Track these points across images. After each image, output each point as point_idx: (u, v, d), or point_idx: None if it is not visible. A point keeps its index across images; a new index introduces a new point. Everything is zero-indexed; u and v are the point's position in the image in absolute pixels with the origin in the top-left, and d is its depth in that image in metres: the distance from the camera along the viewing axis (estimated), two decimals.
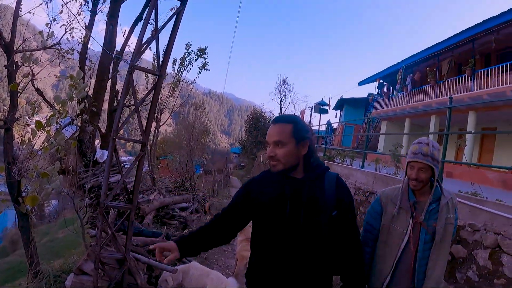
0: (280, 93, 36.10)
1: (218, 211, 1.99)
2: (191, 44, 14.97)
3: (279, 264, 1.71)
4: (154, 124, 14.06)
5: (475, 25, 11.76)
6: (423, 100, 15.27)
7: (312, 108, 22.32)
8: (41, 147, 3.50)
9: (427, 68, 15.33)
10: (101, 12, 10.73)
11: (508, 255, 2.85)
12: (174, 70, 15.20)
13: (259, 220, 1.80)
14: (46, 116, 3.64)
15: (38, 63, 4.43)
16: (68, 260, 5.29)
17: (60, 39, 6.53)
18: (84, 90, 3.78)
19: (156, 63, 13.89)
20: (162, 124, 15.84)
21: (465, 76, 12.89)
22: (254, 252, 1.88)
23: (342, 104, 28.20)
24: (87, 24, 10.13)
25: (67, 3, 6.85)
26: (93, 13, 10.47)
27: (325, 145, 13.04)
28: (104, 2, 10.53)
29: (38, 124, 3.32)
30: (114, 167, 8.42)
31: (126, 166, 9.33)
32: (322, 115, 23.99)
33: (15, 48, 5.24)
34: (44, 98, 8.10)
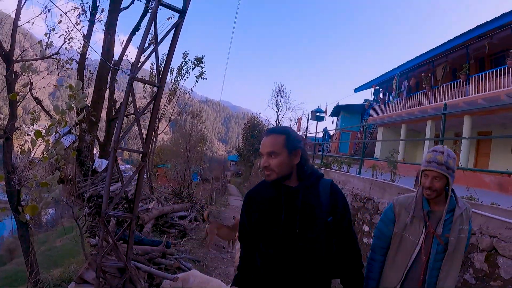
0: (277, 101, 36.14)
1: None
2: (188, 53, 15.11)
3: (278, 270, 1.76)
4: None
5: (469, 30, 11.93)
6: (418, 106, 15.40)
7: (308, 115, 22.41)
8: (40, 157, 3.52)
9: (422, 74, 15.49)
10: (99, 21, 10.83)
11: (504, 257, 2.89)
12: (171, 79, 15.31)
13: (257, 228, 1.85)
14: (45, 125, 3.66)
15: (37, 73, 4.47)
16: (68, 269, 5.28)
17: (59, 49, 6.59)
18: (83, 100, 3.81)
19: (154, 72, 14.07)
20: (160, 133, 15.87)
21: (459, 81, 13.04)
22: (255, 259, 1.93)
23: (338, 110, 28.31)
24: (85, 33, 10.20)
25: (66, 13, 6.89)
26: (91, 23, 10.54)
27: (322, 152, 13.07)
28: (102, 12, 10.62)
29: (37, 133, 3.34)
30: (114, 176, 8.42)
31: (124, 175, 9.32)
32: (318, 122, 24.08)
33: (14, 58, 5.30)
34: (42, 107, 8.13)
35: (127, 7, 11.25)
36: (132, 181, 5.23)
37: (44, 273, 4.73)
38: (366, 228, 5.67)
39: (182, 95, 16.49)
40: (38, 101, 7.83)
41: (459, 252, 2.03)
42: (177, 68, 15.19)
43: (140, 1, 11.26)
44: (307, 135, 18.94)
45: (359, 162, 8.63)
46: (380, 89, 20.99)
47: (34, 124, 4.35)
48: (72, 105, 3.66)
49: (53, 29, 6.14)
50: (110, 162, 3.77)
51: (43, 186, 3.34)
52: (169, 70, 14.75)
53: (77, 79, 8.03)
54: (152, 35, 4.18)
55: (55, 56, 6.64)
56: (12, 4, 5.58)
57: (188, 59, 15.14)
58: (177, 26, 4.01)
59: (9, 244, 13.99)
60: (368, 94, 23.62)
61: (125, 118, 10.10)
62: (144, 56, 4.05)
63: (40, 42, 5.29)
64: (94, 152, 11.63)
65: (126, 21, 15.02)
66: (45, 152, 3.48)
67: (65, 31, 6.65)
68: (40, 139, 3.34)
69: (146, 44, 4.34)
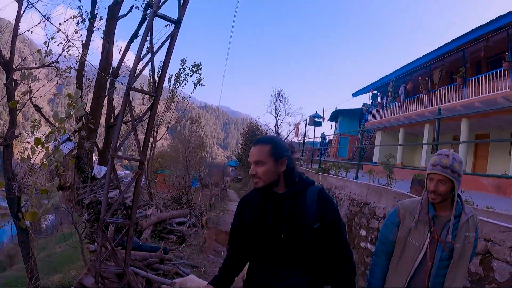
0: (276, 106, 36.21)
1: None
2: (186, 60, 15.17)
3: (268, 274, 1.83)
4: (150, 139, 14.11)
5: (465, 34, 12.02)
6: (416, 110, 15.47)
7: (306, 121, 22.48)
8: (40, 164, 3.55)
9: (419, 78, 15.57)
10: (98, 29, 10.92)
11: (498, 261, 2.92)
12: (169, 86, 15.36)
13: (248, 232, 1.92)
14: (45, 132, 3.70)
15: (36, 80, 4.51)
16: (67, 274, 5.31)
17: (58, 57, 6.65)
18: (82, 108, 3.86)
19: (151, 79, 14.11)
20: (159, 139, 15.89)
21: (456, 85, 13.10)
22: (249, 263, 2.00)
23: (337, 115, 28.39)
24: (84, 42, 10.28)
25: (65, 21, 6.96)
26: (90, 31, 10.63)
27: (320, 157, 13.12)
28: (100, 20, 10.71)
29: (37, 141, 3.38)
30: (112, 183, 8.45)
31: (123, 181, 9.35)
32: (316, 127, 24.14)
33: (14, 66, 5.35)
34: (42, 115, 8.18)
35: (125, 15, 11.36)
36: (131, 188, 5.26)
37: (44, 279, 4.75)
38: (363, 232, 5.69)
39: (181, 101, 16.54)
40: (37, 109, 7.88)
41: (465, 260, 1.98)
42: (175, 75, 15.25)
43: (138, 9, 11.37)
44: (306, 140, 18.97)
45: (356, 166, 8.67)
46: (378, 94, 21.05)
47: (35, 132, 4.39)
48: (71, 113, 3.70)
49: (52, 38, 6.19)
50: (108, 169, 3.82)
51: (43, 193, 3.37)
52: (168, 77, 14.98)
53: (76, 87, 8.09)
54: (149, 43, 4.25)
55: (54, 64, 6.69)
56: (13, 11, 5.62)
57: (186, 66, 15.19)
58: (172, 37, 4.08)
59: (9, 250, 13.98)
60: (366, 98, 23.61)
61: (123, 124, 10.17)
62: (142, 63, 4.12)
63: (39, 50, 5.34)
64: (93, 158, 11.67)
65: (125, 26, 15.13)
66: (44, 159, 3.51)
67: (64, 40, 6.71)
68: (39, 146, 3.38)
69: (144, 52, 4.39)
